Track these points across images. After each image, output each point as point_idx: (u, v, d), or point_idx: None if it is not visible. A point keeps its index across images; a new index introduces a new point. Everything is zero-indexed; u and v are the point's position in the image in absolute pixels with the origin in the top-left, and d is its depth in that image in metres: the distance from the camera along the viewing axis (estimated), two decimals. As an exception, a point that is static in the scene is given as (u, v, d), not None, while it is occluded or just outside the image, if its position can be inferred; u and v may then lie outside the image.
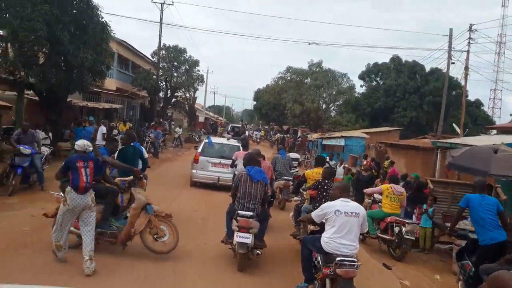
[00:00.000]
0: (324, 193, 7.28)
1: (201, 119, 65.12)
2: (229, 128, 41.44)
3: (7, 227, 7.37)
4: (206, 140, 14.76)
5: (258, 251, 6.64)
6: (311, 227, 6.64)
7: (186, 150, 28.29)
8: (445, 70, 32.09)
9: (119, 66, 34.39)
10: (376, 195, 9.86)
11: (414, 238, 8.49)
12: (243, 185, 6.75)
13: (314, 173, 8.62)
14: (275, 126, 67.81)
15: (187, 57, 35.41)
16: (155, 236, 6.53)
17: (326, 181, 7.50)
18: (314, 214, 5.59)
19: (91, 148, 6.32)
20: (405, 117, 38.27)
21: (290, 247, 8.07)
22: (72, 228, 6.12)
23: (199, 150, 14.17)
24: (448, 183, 11.34)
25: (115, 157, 8.00)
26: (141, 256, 6.53)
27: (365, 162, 13.53)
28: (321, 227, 5.64)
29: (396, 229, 8.48)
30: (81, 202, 5.79)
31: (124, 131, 18.18)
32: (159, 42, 33.72)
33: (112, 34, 18.37)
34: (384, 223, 8.85)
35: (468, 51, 26.34)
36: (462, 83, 28.92)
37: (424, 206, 9.67)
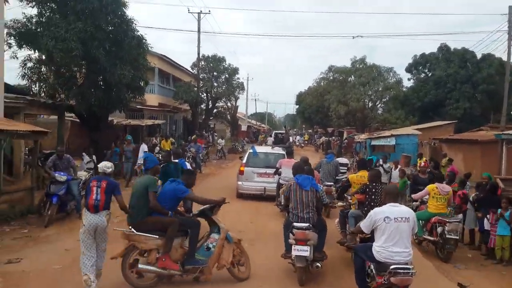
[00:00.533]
0: (373, 197, 7.00)
1: (243, 128, 64.74)
2: (272, 135, 40.30)
3: (39, 264, 6.83)
4: (251, 150, 14.61)
5: (317, 264, 6.42)
6: (360, 235, 6.48)
7: (230, 161, 27.64)
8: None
9: (160, 81, 34.42)
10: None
11: (457, 237, 8.30)
12: (293, 195, 6.64)
13: (359, 177, 8.40)
14: (319, 130, 66.49)
15: (226, 66, 35.03)
16: (238, 264, 6.50)
17: (374, 184, 7.19)
18: (363, 225, 5.40)
19: (109, 170, 6.21)
20: (458, 109, 35.96)
21: (340, 256, 7.84)
22: (144, 266, 5.90)
23: (244, 160, 14.00)
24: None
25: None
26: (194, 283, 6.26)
27: (422, 163, 12.11)
28: (372, 233, 5.44)
29: (439, 229, 8.34)
30: (94, 221, 5.76)
31: (167, 148, 17.80)
32: (198, 53, 33.48)
33: (149, 47, 17.99)
34: (429, 224, 8.73)
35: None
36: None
37: (499, 211, 8.47)
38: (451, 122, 32.30)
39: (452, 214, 9.32)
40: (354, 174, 9.13)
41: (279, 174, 11.69)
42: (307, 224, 6.40)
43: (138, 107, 27.56)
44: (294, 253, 6.22)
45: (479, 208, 9.07)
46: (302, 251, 6.17)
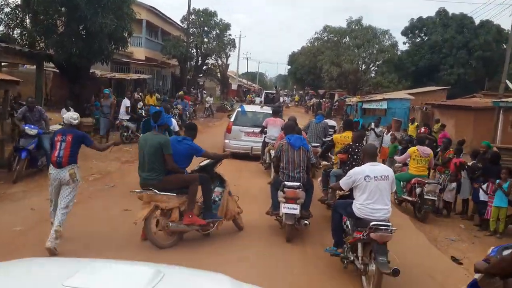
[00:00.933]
0: (355, 157, 7.05)
1: (234, 86, 63.63)
2: (263, 95, 39.51)
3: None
4: (239, 109, 14.39)
5: (306, 221, 6.56)
6: (340, 192, 6.54)
7: (218, 120, 27.01)
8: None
9: (148, 34, 33.09)
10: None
11: (435, 198, 8.42)
12: (285, 155, 6.65)
13: (343, 137, 8.35)
14: (310, 91, 65.74)
15: (217, 21, 33.72)
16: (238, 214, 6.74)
17: (357, 144, 7.24)
18: (342, 182, 5.43)
19: (76, 121, 5.88)
20: (452, 75, 35.49)
21: (321, 214, 7.81)
22: (175, 225, 5.82)
23: (232, 119, 13.85)
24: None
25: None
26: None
27: (422, 129, 11.48)
28: (350, 191, 5.53)
29: (418, 190, 8.52)
30: (57, 176, 5.58)
31: (152, 104, 17.08)
32: (189, 6, 32.07)
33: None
34: (409, 185, 8.91)
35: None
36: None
37: (498, 181, 8.10)
38: (444, 87, 31.88)
39: (446, 181, 8.98)
40: (339, 134, 9.12)
41: (265, 133, 11.63)
42: (298, 183, 6.45)
43: (123, 60, 26.55)
44: (284, 210, 6.30)
45: (476, 178, 8.69)
46: (292, 209, 6.25)
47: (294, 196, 6.30)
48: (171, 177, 5.87)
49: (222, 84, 51.70)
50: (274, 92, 42.30)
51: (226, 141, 13.42)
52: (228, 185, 6.56)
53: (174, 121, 10.03)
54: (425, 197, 8.31)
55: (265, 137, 11.61)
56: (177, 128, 9.76)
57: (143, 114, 14.52)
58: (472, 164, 9.14)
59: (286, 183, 6.45)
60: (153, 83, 29.49)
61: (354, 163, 6.84)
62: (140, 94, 22.07)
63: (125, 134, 14.43)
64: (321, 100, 41.58)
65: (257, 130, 12.56)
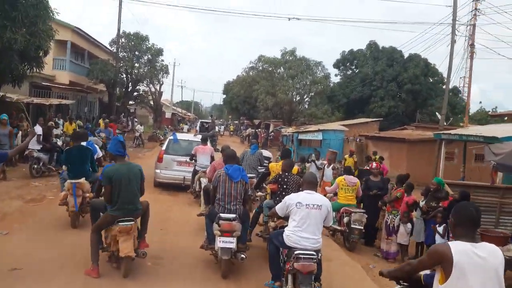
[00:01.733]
0: (285, 186, 6.93)
1: (168, 115, 62.03)
2: (198, 124, 38.56)
3: None
4: (171, 137, 13.95)
5: (242, 255, 6.22)
6: (277, 222, 6.46)
7: (148, 150, 25.35)
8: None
9: (74, 57, 31.02)
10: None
11: (362, 228, 8.38)
12: (222, 186, 6.35)
13: (279, 166, 8.00)
14: (245, 121, 65.46)
15: (149, 46, 32.33)
16: None
17: (286, 173, 7.15)
18: (277, 208, 5.43)
19: None
20: (382, 107, 36.43)
21: (259, 246, 7.51)
22: None
23: (164, 147, 13.32)
24: (490, 187, 9.40)
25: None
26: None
27: (374, 164, 10.73)
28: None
29: (346, 219, 8.55)
30: None
31: (70, 132, 15.35)
32: (118, 28, 30.51)
33: (54, 12, 15.31)
34: (339, 214, 8.90)
35: (474, 25, 23.90)
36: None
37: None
38: (376, 119, 32.48)
39: (396, 222, 8.25)
40: (275, 163, 8.90)
41: (195, 161, 11.32)
42: (234, 215, 6.19)
43: (44, 83, 24.37)
44: (219, 245, 6.00)
45: (431, 218, 8.01)
46: (228, 242, 5.98)
47: (230, 229, 6.03)
48: (143, 203, 6.05)
49: (155, 112, 49.89)
50: (210, 121, 41.56)
51: (157, 171, 12.76)
52: None
53: (97, 147, 9.64)
54: (352, 226, 8.32)
55: (195, 165, 11.31)
56: (100, 154, 9.49)
57: (58, 143, 12.85)
58: (425, 203, 8.45)
59: (222, 215, 6.16)
60: (77, 109, 27.35)
61: (284, 193, 6.65)
62: (61, 120, 20.15)
63: (35, 166, 12.46)
64: (257, 130, 41.06)
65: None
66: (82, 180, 7.60)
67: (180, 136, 14.72)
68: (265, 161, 11.44)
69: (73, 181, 7.47)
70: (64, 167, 8.23)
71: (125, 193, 5.61)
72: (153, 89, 47.69)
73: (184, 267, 6.42)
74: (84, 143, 8.28)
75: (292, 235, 5.03)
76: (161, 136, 32.69)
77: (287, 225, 5.45)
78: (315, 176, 6.08)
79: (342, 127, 29.28)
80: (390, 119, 35.04)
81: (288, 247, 5.09)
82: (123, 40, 31.57)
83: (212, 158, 10.98)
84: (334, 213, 8.53)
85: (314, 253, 4.92)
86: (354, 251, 8.59)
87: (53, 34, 15.93)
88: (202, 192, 8.83)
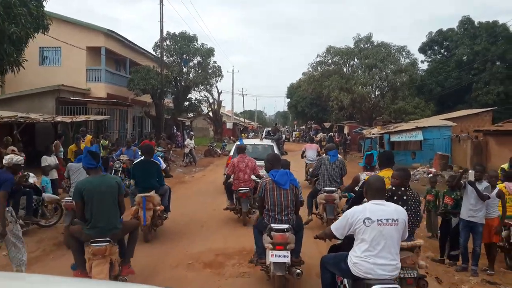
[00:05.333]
0: (404, 207, 4.36)
1: (229, 125, 57.74)
2: (264, 132, 34.49)
3: None
4: (238, 142, 13.11)
5: (298, 270, 5.34)
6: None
7: (201, 169, 20.22)
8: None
9: (114, 67, 26.91)
10: None
11: None
12: (270, 195, 5.62)
13: (385, 179, 5.09)
14: (313, 125, 59.52)
15: (198, 46, 27.44)
16: None
17: (403, 188, 4.89)
18: (335, 226, 4.10)
19: None
20: (489, 94, 28.91)
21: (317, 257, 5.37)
22: None
23: (231, 153, 13.16)
24: None
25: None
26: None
27: None
28: (347, 240, 4.14)
29: (504, 233, 6.87)
30: None
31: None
32: (161, 29, 25.81)
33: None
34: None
35: None
36: None
37: None
38: (488, 109, 25.19)
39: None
40: (369, 174, 6.32)
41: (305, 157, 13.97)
42: (287, 226, 5.47)
43: (72, 98, 20.12)
44: (271, 259, 5.28)
45: None
46: (281, 256, 5.26)
47: (283, 241, 5.31)
48: (126, 223, 5.66)
49: (215, 123, 45.76)
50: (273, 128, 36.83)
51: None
52: None
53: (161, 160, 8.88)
54: None
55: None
56: (164, 166, 8.77)
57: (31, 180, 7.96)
58: None
59: (273, 225, 5.47)
60: (116, 125, 22.88)
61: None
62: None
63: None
64: (331, 134, 35.09)
65: (258, 162, 10.55)
66: (152, 193, 7.48)
67: (246, 141, 14.75)
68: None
69: (143, 194, 7.35)
70: (132, 181, 8.22)
71: (99, 210, 5.06)
72: (210, 99, 43.70)
73: (236, 283, 5.84)
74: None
75: (362, 262, 3.79)
76: (219, 150, 27.66)
77: (340, 243, 4.57)
78: (382, 179, 4.31)
79: (447, 122, 22.56)
80: (503, 108, 27.43)
81: (355, 277, 3.85)
82: (167, 42, 26.94)
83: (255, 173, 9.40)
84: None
85: (397, 286, 3.74)
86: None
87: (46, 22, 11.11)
88: (225, 188, 9.70)
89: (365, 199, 4.71)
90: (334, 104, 31.49)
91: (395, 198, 4.85)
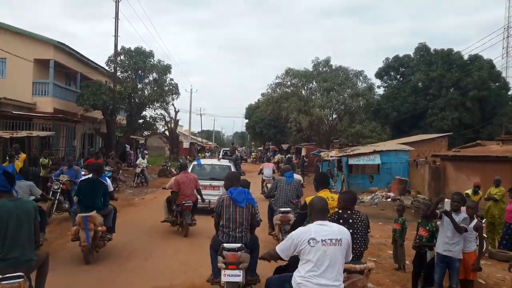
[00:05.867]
0: (350, 231, 4.32)
1: (185, 145, 56.55)
2: (221, 152, 35.33)
3: None
4: (195, 162, 14.28)
5: None
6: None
7: (152, 190, 19.08)
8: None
9: (64, 81, 25.45)
10: None
11: None
12: (226, 211, 5.65)
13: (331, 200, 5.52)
14: (271, 146, 59.24)
15: (154, 62, 26.44)
16: None
17: (349, 212, 4.97)
18: (279, 248, 4.06)
19: None
20: (444, 120, 29.47)
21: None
22: None
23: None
24: None
25: None
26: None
27: None
28: (292, 261, 4.20)
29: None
30: None
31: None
32: (115, 44, 24.75)
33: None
34: None
35: None
36: None
37: None
38: (443, 134, 25.53)
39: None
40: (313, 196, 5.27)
41: (262, 174, 16.58)
42: (239, 245, 5.49)
43: (14, 112, 18.57)
44: (224, 279, 5.36)
45: None
46: (234, 276, 5.34)
47: (235, 261, 5.36)
48: (40, 253, 4.95)
49: (171, 142, 44.57)
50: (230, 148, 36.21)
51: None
52: None
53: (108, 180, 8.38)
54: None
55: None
56: (111, 188, 8.39)
57: None
58: None
59: (225, 245, 5.48)
60: (58, 142, 21.37)
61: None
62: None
63: None
64: (288, 156, 34.72)
65: (214, 183, 12.70)
66: (93, 213, 7.27)
67: (204, 161, 15.18)
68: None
69: (84, 214, 7.17)
70: (75, 198, 7.89)
71: (13, 238, 4.41)
72: (167, 117, 42.46)
73: None
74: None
75: (306, 282, 3.78)
76: (173, 170, 26.50)
77: (286, 265, 4.67)
78: (325, 200, 4.36)
79: (404, 146, 22.57)
80: (457, 134, 27.95)
81: None
82: (122, 57, 25.80)
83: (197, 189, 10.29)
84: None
85: None
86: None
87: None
88: (164, 203, 10.51)
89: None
90: (292, 126, 31.18)
91: (341, 221, 4.86)
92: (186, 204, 9.70)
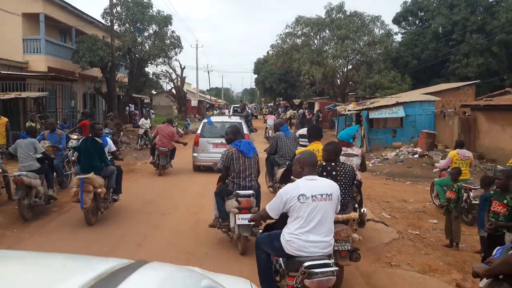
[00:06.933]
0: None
1: (193, 103, 54.83)
2: (231, 109, 34.66)
3: None
4: (205, 120, 13.92)
5: (259, 230, 5.25)
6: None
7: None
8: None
9: (58, 37, 23.62)
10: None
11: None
12: (236, 163, 6.02)
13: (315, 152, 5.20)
14: (281, 102, 57.27)
15: (153, 14, 24.35)
16: None
17: (333, 163, 5.03)
18: (270, 206, 3.94)
19: None
20: (468, 67, 27.19)
21: None
22: None
23: (199, 131, 13.39)
24: None
25: None
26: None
27: None
28: (280, 218, 4.01)
29: (464, 195, 7.57)
30: None
31: None
32: (110, -7, 22.66)
33: None
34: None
35: None
36: None
37: None
38: (470, 82, 23.45)
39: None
40: (304, 149, 5.70)
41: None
42: (251, 191, 5.93)
43: (4, 72, 16.94)
44: (239, 222, 5.72)
45: None
46: (247, 219, 5.53)
47: (248, 206, 5.79)
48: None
49: (179, 100, 42.99)
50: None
51: (195, 154, 13.09)
52: None
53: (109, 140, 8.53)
54: (473, 202, 7.75)
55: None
56: (114, 148, 8.62)
57: None
58: None
59: (240, 192, 5.87)
60: (53, 103, 19.84)
61: None
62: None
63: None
64: (303, 111, 33.01)
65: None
66: (91, 175, 7.11)
67: (214, 118, 14.85)
68: (303, 140, 9.54)
69: (81, 176, 7.09)
70: (76, 159, 8.12)
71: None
72: (173, 75, 40.59)
73: (201, 247, 6.21)
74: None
75: (295, 239, 3.70)
76: (181, 130, 24.99)
77: (275, 221, 4.30)
78: (314, 154, 4.16)
79: (429, 96, 20.63)
80: (482, 82, 25.81)
81: (288, 255, 3.78)
82: (118, 9, 23.75)
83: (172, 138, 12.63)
84: (445, 188, 7.77)
85: (329, 261, 3.64)
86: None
87: None
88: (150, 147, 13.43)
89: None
90: (305, 79, 29.17)
91: (324, 173, 4.90)
92: (161, 149, 12.26)
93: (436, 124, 19.11)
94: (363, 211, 6.07)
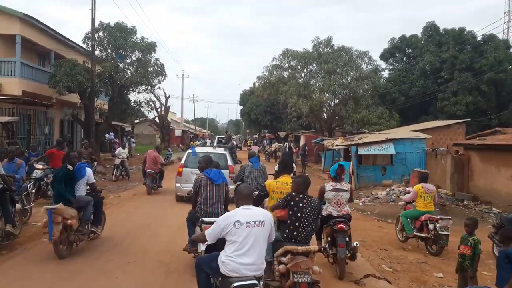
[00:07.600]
0: (299, 214, 5.20)
1: (177, 132, 53.81)
2: (216, 140, 34.12)
3: None
4: (190, 150, 14.26)
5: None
6: (289, 263, 4.89)
7: (134, 185, 16.57)
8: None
9: (33, 60, 22.56)
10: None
11: (448, 233, 8.40)
12: (204, 190, 6.47)
13: (280, 184, 6.10)
14: (267, 134, 56.67)
15: (137, 40, 23.57)
16: None
17: (301, 195, 5.31)
18: (208, 231, 4.29)
19: None
20: (457, 105, 26.88)
21: None
22: None
23: (182, 161, 13.78)
24: None
25: None
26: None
27: None
28: (219, 241, 4.35)
29: (431, 226, 8.56)
30: None
31: None
32: (92, 19, 21.86)
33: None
34: (419, 222, 9.03)
35: None
36: None
37: None
38: (461, 121, 23.01)
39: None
40: (274, 180, 6.41)
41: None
42: (215, 219, 5.26)
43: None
44: (202, 247, 5.46)
45: None
46: None
47: None
48: None
49: (162, 130, 42.04)
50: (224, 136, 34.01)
51: (178, 185, 13.25)
52: None
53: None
54: (440, 232, 8.34)
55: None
56: (92, 180, 8.02)
57: None
58: None
59: (204, 219, 6.00)
60: (25, 129, 18.63)
61: (297, 223, 5.18)
62: None
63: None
64: (289, 144, 32.24)
65: None
66: (59, 205, 6.82)
67: (199, 149, 14.97)
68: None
69: (49, 206, 6.81)
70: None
71: None
72: (157, 103, 39.79)
73: (170, 270, 6.50)
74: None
75: (229, 261, 4.04)
76: (163, 161, 23.82)
77: (216, 242, 4.46)
78: (250, 187, 4.82)
79: (420, 133, 20.03)
80: (472, 120, 25.43)
81: (224, 275, 4.09)
82: (100, 34, 22.93)
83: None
84: (412, 220, 9.13)
85: (257, 282, 3.97)
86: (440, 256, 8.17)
87: None
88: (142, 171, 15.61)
89: (265, 200, 6.25)
90: (292, 111, 28.50)
91: (292, 203, 5.27)
92: (149, 171, 14.45)
93: (427, 162, 18.42)
94: (356, 244, 6.50)
